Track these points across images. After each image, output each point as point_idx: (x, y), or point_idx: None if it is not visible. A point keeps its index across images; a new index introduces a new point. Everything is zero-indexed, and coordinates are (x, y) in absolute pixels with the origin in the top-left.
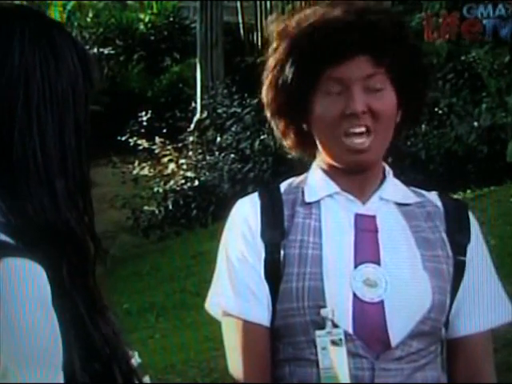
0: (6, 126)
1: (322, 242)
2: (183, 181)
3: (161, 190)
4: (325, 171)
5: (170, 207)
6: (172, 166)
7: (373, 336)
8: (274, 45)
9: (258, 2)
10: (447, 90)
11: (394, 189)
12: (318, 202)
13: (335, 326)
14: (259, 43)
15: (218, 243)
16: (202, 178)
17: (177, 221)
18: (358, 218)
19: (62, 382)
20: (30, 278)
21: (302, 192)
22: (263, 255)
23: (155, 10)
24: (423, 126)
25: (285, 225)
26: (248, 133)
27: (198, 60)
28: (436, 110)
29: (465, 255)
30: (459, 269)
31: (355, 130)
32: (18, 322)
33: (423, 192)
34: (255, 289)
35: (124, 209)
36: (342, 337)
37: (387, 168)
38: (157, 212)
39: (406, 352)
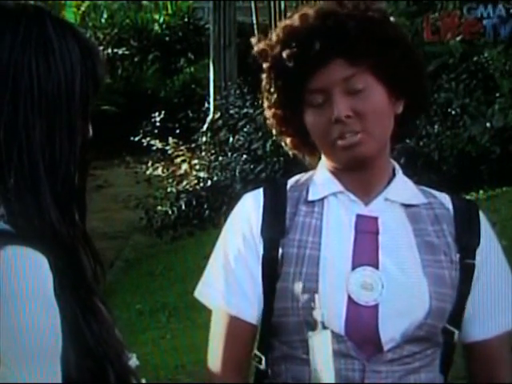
0: None
1: (321, 242)
2: (196, 181)
3: (174, 191)
4: (330, 170)
5: (183, 207)
6: (185, 166)
7: (365, 339)
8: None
9: (272, 3)
10: (460, 90)
11: (401, 189)
12: (321, 200)
13: (325, 327)
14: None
15: None
16: (215, 179)
17: (189, 221)
18: (359, 218)
19: (59, 369)
20: (33, 267)
21: (307, 190)
22: (261, 252)
23: (170, 11)
24: (436, 127)
25: (286, 223)
26: (260, 133)
27: (210, 60)
28: (449, 110)
29: (474, 258)
30: (467, 273)
31: (345, 134)
32: (18, 309)
33: (434, 192)
34: (246, 287)
35: (137, 209)
36: (329, 339)
37: (397, 166)
38: (170, 212)
39: (398, 355)
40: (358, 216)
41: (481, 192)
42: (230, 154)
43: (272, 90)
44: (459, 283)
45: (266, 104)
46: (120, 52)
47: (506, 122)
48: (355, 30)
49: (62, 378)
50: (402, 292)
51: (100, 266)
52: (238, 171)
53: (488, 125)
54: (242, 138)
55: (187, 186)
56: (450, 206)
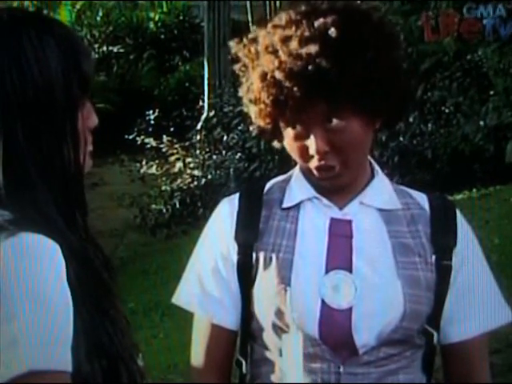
0: None
1: (296, 246)
2: (190, 179)
3: (168, 189)
4: (305, 174)
5: (177, 206)
6: (179, 164)
7: (339, 342)
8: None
9: (267, 2)
10: (454, 88)
11: (378, 192)
12: (297, 204)
13: (298, 330)
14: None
15: None
16: (209, 177)
17: (184, 219)
18: (334, 222)
19: (69, 357)
20: (47, 254)
21: (283, 193)
22: (236, 257)
23: (165, 9)
24: (429, 125)
25: (260, 227)
26: (255, 132)
27: (205, 59)
28: (443, 109)
29: (450, 259)
30: (444, 274)
31: (322, 168)
32: (33, 294)
33: (412, 192)
34: (222, 295)
35: (132, 207)
36: (299, 341)
37: (376, 167)
38: (164, 210)
39: (374, 357)
40: (332, 220)
41: (474, 190)
42: (224, 152)
43: (251, 113)
44: (436, 285)
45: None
46: (115, 50)
47: (499, 121)
48: (337, 75)
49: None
50: (376, 295)
51: (110, 266)
52: (232, 169)
53: (482, 123)
54: (236, 137)
55: (181, 185)
56: (427, 206)
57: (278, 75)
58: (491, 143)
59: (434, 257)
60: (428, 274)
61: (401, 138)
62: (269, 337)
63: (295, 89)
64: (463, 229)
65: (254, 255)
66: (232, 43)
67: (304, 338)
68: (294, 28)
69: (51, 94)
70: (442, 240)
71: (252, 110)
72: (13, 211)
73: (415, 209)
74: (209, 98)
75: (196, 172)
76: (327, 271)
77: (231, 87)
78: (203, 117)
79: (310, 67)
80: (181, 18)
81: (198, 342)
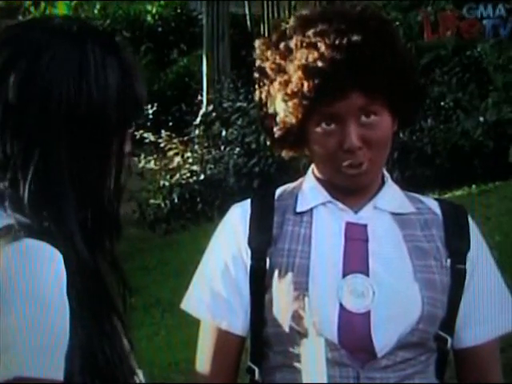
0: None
1: (311, 251)
2: (189, 174)
3: (167, 184)
4: (318, 179)
5: (176, 201)
6: (178, 159)
7: (358, 346)
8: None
9: None
10: (453, 84)
11: (390, 197)
12: (309, 210)
13: (319, 335)
14: (266, 35)
15: None
16: (208, 172)
17: (183, 214)
18: (349, 226)
19: (62, 366)
20: (47, 258)
21: (296, 199)
22: (249, 262)
23: (162, 2)
24: (429, 121)
25: (273, 232)
26: (254, 127)
27: (204, 53)
28: (442, 104)
29: (464, 263)
30: (459, 278)
31: (352, 163)
32: (30, 295)
33: (422, 198)
34: (232, 300)
35: (130, 202)
36: (322, 346)
37: (386, 174)
38: (162, 205)
39: (392, 361)
40: (348, 224)
41: (474, 187)
42: (223, 147)
43: (277, 105)
44: (450, 289)
45: (263, 122)
46: None
47: (499, 117)
48: (375, 65)
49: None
50: (394, 298)
51: (128, 290)
52: (231, 165)
53: (481, 119)
54: (235, 132)
55: (180, 179)
56: (439, 211)
57: (320, 65)
58: (491, 139)
59: (448, 260)
60: (444, 278)
61: (400, 134)
62: (285, 343)
63: (337, 78)
64: (475, 234)
65: (267, 261)
66: (258, 42)
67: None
68: (329, 23)
69: (103, 113)
70: (456, 244)
71: (286, 106)
72: (32, 218)
73: (427, 213)
74: (207, 93)
75: (195, 167)
76: (344, 275)
77: (230, 83)
78: (202, 111)
79: (349, 56)
80: (178, 11)
81: (204, 347)
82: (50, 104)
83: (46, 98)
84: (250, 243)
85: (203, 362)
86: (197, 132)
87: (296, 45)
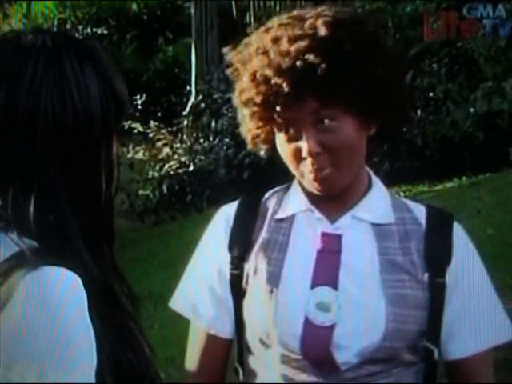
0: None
1: (285, 259)
2: (178, 165)
3: (156, 175)
4: (301, 185)
5: (165, 192)
6: (167, 150)
7: (320, 359)
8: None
9: None
10: (443, 75)
11: (373, 205)
12: (291, 216)
13: (282, 346)
14: (252, 24)
15: None
16: (198, 163)
17: (172, 206)
18: (324, 236)
19: None
20: (69, 288)
21: (280, 204)
22: (229, 269)
23: None
24: (419, 112)
25: (253, 238)
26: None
27: (192, 43)
28: (431, 95)
29: (443, 277)
30: (438, 292)
31: (314, 168)
32: (55, 331)
33: (411, 205)
34: (215, 305)
35: (119, 193)
36: (277, 358)
37: (373, 177)
38: (152, 196)
39: (358, 374)
40: (323, 234)
41: (464, 178)
42: (212, 138)
43: (243, 112)
44: (430, 302)
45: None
46: (99, 32)
47: (489, 108)
48: (325, 70)
49: None
50: (359, 313)
51: (133, 297)
52: (221, 156)
53: (471, 110)
54: (225, 123)
55: (169, 170)
56: (423, 221)
57: (268, 72)
58: (481, 130)
59: (426, 274)
60: (418, 293)
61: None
62: (257, 349)
63: (284, 85)
64: (460, 244)
65: (245, 267)
66: (226, 50)
67: (287, 352)
68: (284, 29)
69: (90, 123)
70: (436, 258)
71: (244, 114)
72: (40, 240)
73: (410, 224)
74: (196, 83)
75: (184, 158)
76: (313, 287)
77: (220, 73)
78: (190, 102)
79: (298, 63)
80: None
81: (193, 346)
82: (37, 124)
83: (32, 119)
84: (230, 249)
85: (191, 359)
86: (186, 122)
87: (254, 52)
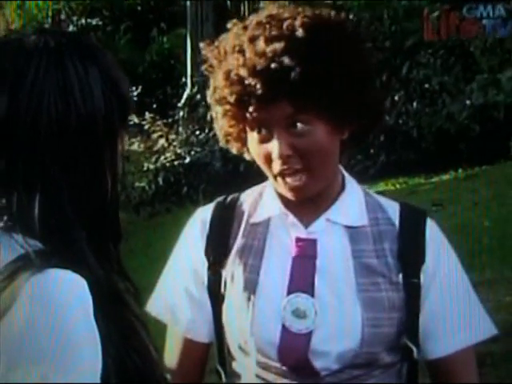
0: None
1: (261, 266)
2: (174, 157)
3: (151, 167)
4: (275, 189)
5: (161, 183)
6: (162, 141)
7: (299, 366)
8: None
9: None
10: (438, 66)
11: (346, 208)
12: (266, 220)
13: (259, 353)
14: (247, 14)
15: None
16: (194, 155)
17: (167, 198)
18: (298, 242)
19: None
20: (74, 291)
21: (255, 207)
22: (206, 274)
23: None
24: (415, 104)
25: (229, 243)
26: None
27: (188, 35)
28: (427, 87)
29: (418, 277)
30: (413, 292)
31: (286, 171)
32: (60, 335)
33: (385, 204)
34: (192, 310)
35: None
36: (254, 365)
37: (347, 177)
38: (147, 188)
39: (338, 379)
40: (297, 239)
41: (460, 171)
42: (207, 130)
43: (215, 109)
44: (406, 303)
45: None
46: (94, 22)
47: (485, 100)
48: (299, 74)
49: None
50: (335, 319)
51: (138, 298)
52: (217, 149)
53: (467, 102)
54: None
55: (165, 161)
56: (397, 221)
57: (242, 72)
58: (476, 122)
59: (400, 275)
60: (393, 294)
61: (386, 117)
62: (237, 354)
63: (258, 86)
64: (434, 242)
65: (223, 272)
66: (202, 45)
67: (266, 360)
68: (262, 28)
69: (93, 123)
70: (409, 258)
71: (217, 112)
72: (44, 242)
73: (384, 224)
74: (192, 75)
75: (180, 150)
76: (289, 293)
77: None
78: (186, 93)
79: (273, 65)
80: None
81: (170, 348)
82: (40, 125)
83: (35, 120)
84: (206, 254)
85: (169, 359)
86: (181, 114)
87: (230, 49)
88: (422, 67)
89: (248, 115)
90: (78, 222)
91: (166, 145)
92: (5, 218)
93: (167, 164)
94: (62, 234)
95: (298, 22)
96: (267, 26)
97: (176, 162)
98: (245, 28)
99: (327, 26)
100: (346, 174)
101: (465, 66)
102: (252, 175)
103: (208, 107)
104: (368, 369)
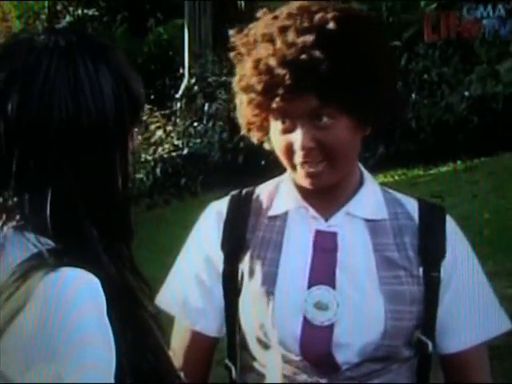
0: None
1: (280, 259)
2: (172, 148)
3: (149, 158)
4: (294, 181)
5: (159, 175)
6: (160, 133)
7: (320, 359)
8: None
9: None
10: (437, 58)
11: (366, 201)
12: (284, 213)
13: (281, 347)
14: (243, 7)
15: None
16: (192, 147)
17: (166, 189)
18: (318, 234)
19: None
20: (88, 291)
21: (272, 201)
22: (221, 266)
23: None
24: (413, 96)
25: (246, 237)
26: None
27: (186, 26)
28: (426, 78)
29: (438, 271)
30: (433, 286)
31: (307, 163)
32: (74, 334)
33: (403, 200)
34: (204, 303)
35: None
36: (279, 360)
37: (365, 174)
38: (145, 180)
39: (357, 373)
40: (317, 232)
41: (459, 163)
42: (205, 121)
43: (240, 100)
44: (425, 297)
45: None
46: (90, 13)
47: (484, 91)
48: (328, 67)
49: None
50: (357, 312)
51: (151, 296)
52: (216, 140)
53: (466, 93)
54: (220, 106)
55: (162, 153)
56: (416, 216)
57: (271, 62)
58: (475, 114)
59: (421, 269)
60: (414, 288)
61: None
62: (255, 348)
63: (286, 77)
64: (453, 238)
65: (239, 266)
66: (231, 32)
67: (287, 353)
68: (293, 19)
69: (104, 122)
70: (430, 252)
71: (242, 100)
72: (56, 241)
73: (403, 219)
74: (189, 66)
75: (178, 141)
76: (310, 286)
77: (214, 56)
78: (183, 84)
79: (302, 56)
80: None
81: (176, 343)
82: (51, 124)
83: (46, 120)
84: (223, 247)
85: (175, 355)
86: (179, 105)
87: (260, 38)
88: (421, 58)
89: (274, 105)
90: (89, 221)
91: (163, 136)
92: (17, 217)
93: (165, 155)
94: (74, 232)
95: (329, 16)
96: (298, 18)
97: (174, 154)
98: (275, 18)
99: (357, 21)
100: (365, 170)
101: (463, 58)
102: (250, 166)
103: (206, 98)
104: (387, 362)
